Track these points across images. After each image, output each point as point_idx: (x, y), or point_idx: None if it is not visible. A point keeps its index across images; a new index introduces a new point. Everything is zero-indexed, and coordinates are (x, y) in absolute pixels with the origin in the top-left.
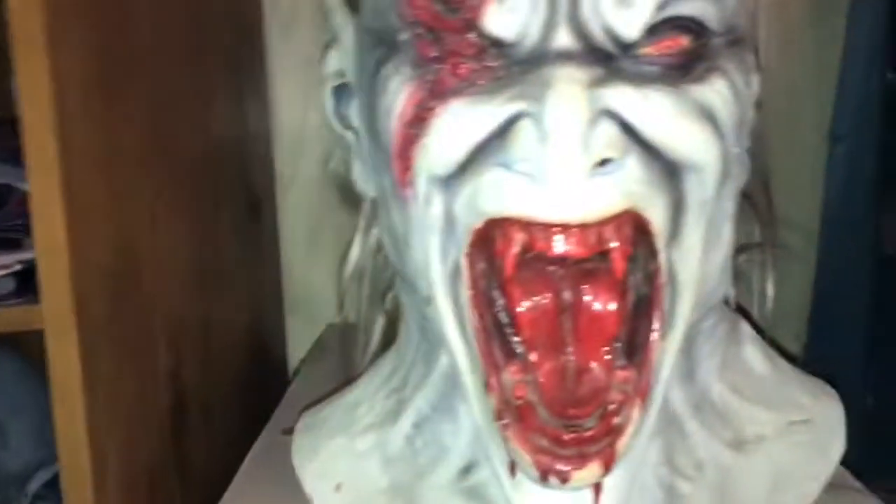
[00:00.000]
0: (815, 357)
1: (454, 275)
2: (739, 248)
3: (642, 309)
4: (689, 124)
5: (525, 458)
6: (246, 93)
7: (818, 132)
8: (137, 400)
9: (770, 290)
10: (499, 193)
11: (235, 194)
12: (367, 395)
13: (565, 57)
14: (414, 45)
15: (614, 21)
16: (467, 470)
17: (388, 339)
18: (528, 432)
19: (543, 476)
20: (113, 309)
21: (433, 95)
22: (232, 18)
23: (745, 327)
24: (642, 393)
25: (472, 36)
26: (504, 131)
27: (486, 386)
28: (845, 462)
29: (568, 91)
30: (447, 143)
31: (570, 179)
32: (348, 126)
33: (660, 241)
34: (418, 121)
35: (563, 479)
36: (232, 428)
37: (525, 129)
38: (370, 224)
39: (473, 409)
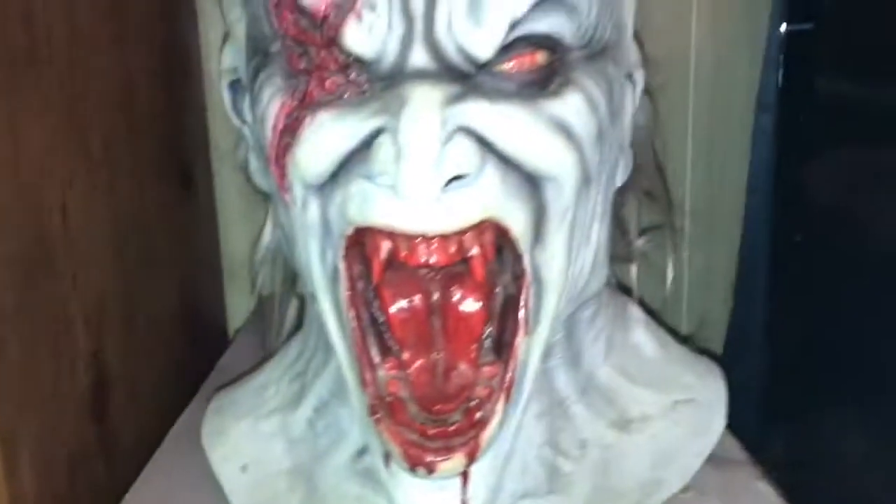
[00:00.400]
0: (737, 322)
1: (333, 275)
2: (642, 231)
3: (510, 308)
4: (543, 138)
5: (396, 450)
6: (176, 68)
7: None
8: (53, 383)
9: (669, 272)
10: (363, 204)
11: (165, 169)
12: (273, 377)
13: (421, 75)
14: (284, 57)
15: (467, 41)
16: (361, 452)
17: (302, 320)
18: (399, 426)
19: (412, 467)
20: (22, 297)
21: (302, 106)
22: None
23: (635, 311)
24: (507, 387)
25: (335, 51)
26: (367, 144)
27: (361, 382)
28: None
29: (420, 109)
30: (314, 154)
31: (423, 195)
32: (244, 121)
33: (522, 246)
34: (289, 130)
35: (430, 469)
36: (163, 404)
37: (384, 144)
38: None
39: (354, 405)
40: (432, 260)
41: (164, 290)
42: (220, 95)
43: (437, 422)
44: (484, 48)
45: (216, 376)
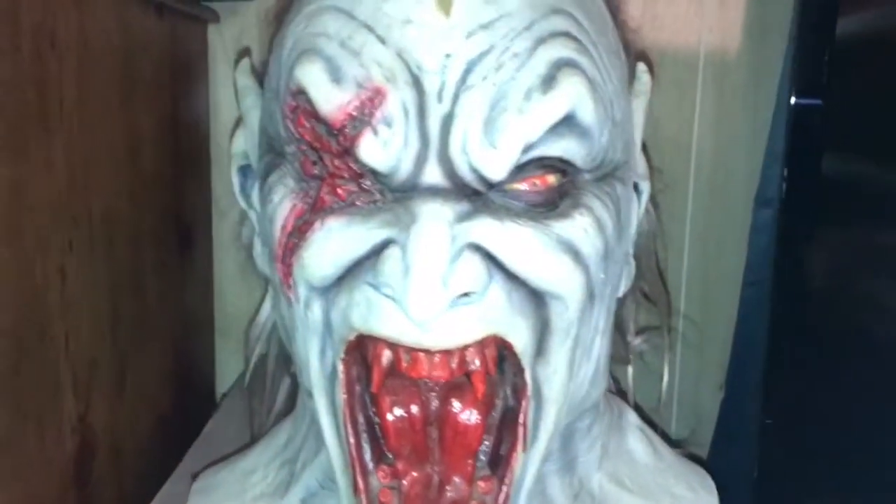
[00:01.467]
0: (727, 416)
1: (331, 375)
2: (640, 331)
3: (508, 420)
4: (550, 258)
5: None
6: (182, 129)
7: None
8: (39, 450)
9: (665, 372)
10: (368, 312)
11: (165, 231)
12: (261, 462)
13: (433, 192)
14: (298, 161)
15: (481, 162)
16: None
17: (293, 401)
18: None
19: None
20: (14, 365)
21: (313, 211)
22: (169, 58)
23: (631, 417)
24: (500, 499)
25: (349, 160)
26: (376, 252)
27: (353, 488)
28: None
29: (430, 226)
30: (321, 259)
31: (428, 311)
32: (251, 206)
33: (524, 361)
34: (298, 232)
35: None
36: (147, 468)
37: (392, 256)
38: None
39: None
40: (434, 374)
41: (155, 352)
42: (224, 152)
43: None
44: (497, 169)
45: (202, 443)
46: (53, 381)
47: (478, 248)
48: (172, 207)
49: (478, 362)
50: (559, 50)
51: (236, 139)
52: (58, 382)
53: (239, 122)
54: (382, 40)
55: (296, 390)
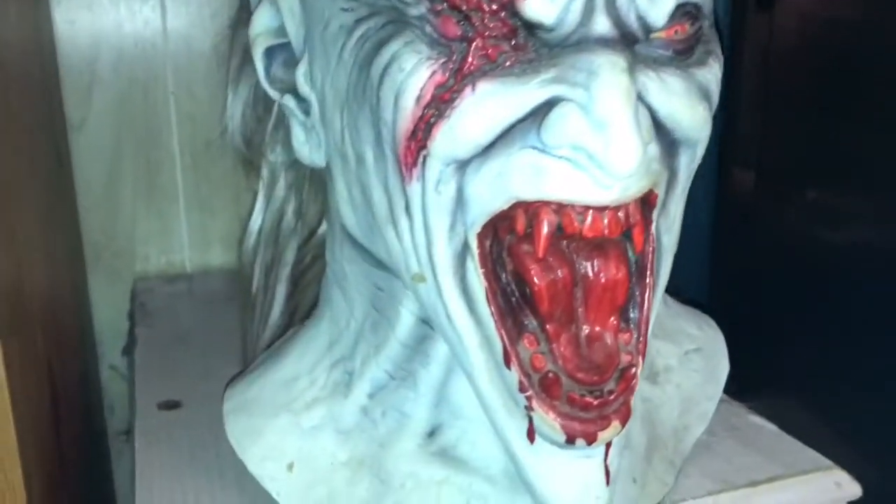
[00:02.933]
0: None
1: (461, 255)
2: None
3: (637, 273)
4: (696, 105)
5: (553, 425)
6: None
7: None
8: None
9: None
10: (535, 177)
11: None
12: (303, 368)
13: (603, 43)
14: (433, 22)
15: (647, 8)
16: (432, 434)
17: (292, 310)
18: (554, 401)
19: (570, 440)
20: None
21: (458, 76)
22: None
23: None
24: (642, 351)
25: (504, 17)
26: (535, 114)
27: (504, 361)
28: None
29: (619, 80)
30: (476, 126)
31: (633, 164)
32: (287, 90)
33: (655, 212)
34: (439, 102)
35: (590, 440)
36: None
37: (570, 115)
38: (272, 190)
39: (482, 386)
40: (608, 231)
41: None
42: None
43: (593, 392)
44: (661, 14)
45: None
46: None
47: (642, 100)
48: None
49: (638, 216)
50: None
51: (259, 16)
52: None
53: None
54: None
55: (297, 298)
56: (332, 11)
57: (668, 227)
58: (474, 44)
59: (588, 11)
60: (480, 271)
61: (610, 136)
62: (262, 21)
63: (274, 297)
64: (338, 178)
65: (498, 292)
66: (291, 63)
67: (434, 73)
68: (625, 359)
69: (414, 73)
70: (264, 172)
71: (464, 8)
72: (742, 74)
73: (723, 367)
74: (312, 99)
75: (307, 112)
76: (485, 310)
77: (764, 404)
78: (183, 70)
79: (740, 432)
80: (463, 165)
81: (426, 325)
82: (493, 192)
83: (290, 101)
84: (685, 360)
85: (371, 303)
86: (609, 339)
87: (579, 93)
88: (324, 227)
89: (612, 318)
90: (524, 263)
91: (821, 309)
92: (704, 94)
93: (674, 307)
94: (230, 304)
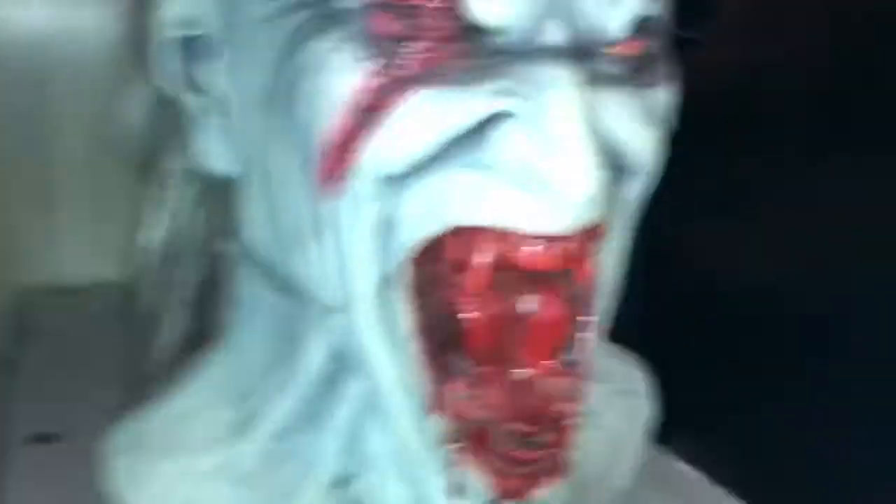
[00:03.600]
0: None
1: (385, 283)
2: None
3: (578, 311)
4: (646, 128)
5: (482, 480)
6: None
7: None
8: None
9: None
10: (477, 200)
11: None
12: (198, 405)
13: (556, 53)
14: (368, 20)
15: (604, 17)
16: (340, 484)
17: (191, 336)
18: (484, 453)
19: (501, 497)
20: None
21: (395, 81)
22: None
23: None
24: (581, 397)
25: (448, 17)
26: (479, 129)
27: (430, 406)
28: None
29: (574, 96)
30: (411, 138)
31: (586, 191)
32: (196, 88)
33: (600, 246)
34: (372, 110)
35: (522, 497)
36: None
37: (519, 132)
38: (170, 202)
39: (403, 433)
40: (551, 264)
41: None
42: None
43: (528, 444)
44: (619, 27)
45: None
46: None
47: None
48: None
49: (584, 248)
50: None
51: (167, 4)
52: None
53: None
54: None
55: (201, 317)
56: (263, 9)
57: (609, 259)
58: (414, 45)
59: (541, 17)
60: (406, 303)
61: (563, 158)
62: (172, 9)
63: (172, 321)
64: (253, 191)
65: (426, 328)
66: (201, 57)
67: (368, 76)
68: (562, 406)
69: (345, 76)
70: (162, 181)
71: (403, 4)
72: None
73: (648, 410)
74: (229, 98)
75: (221, 114)
76: (410, 347)
77: (688, 447)
78: (77, 66)
79: (664, 480)
80: (394, 182)
81: (339, 360)
82: (427, 214)
83: (198, 101)
84: (610, 402)
85: (277, 334)
86: (546, 383)
87: (529, 108)
88: (228, 246)
89: (549, 360)
90: (457, 296)
91: (746, 346)
92: (656, 118)
93: (602, 345)
94: (122, 322)
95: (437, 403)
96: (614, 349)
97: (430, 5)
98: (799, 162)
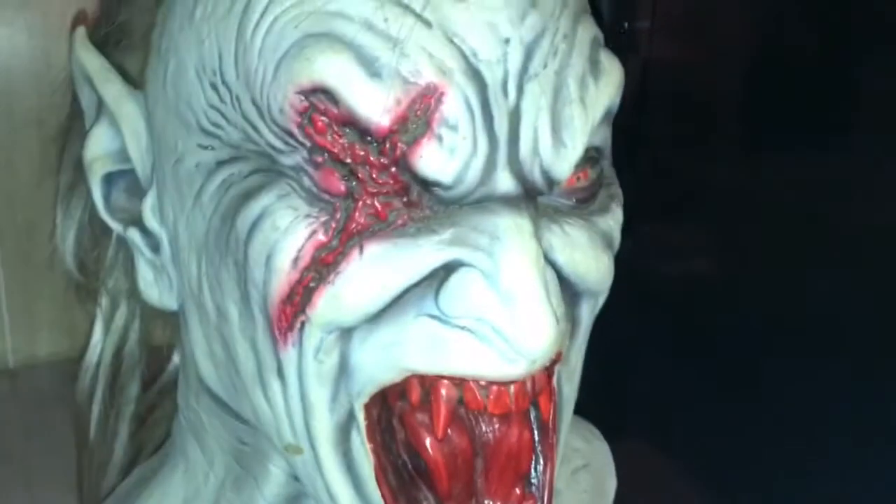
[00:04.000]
0: None
1: (345, 426)
2: None
3: (541, 435)
4: (601, 257)
5: None
6: None
7: None
8: None
9: None
10: (432, 349)
11: None
12: None
13: (505, 201)
14: (313, 175)
15: (551, 161)
16: None
17: (136, 451)
18: None
19: None
20: None
21: (342, 237)
22: None
23: None
24: None
25: (395, 172)
26: (431, 278)
27: None
28: None
29: (527, 246)
30: (362, 293)
31: (547, 340)
32: (132, 221)
33: (558, 367)
34: (319, 264)
35: None
36: None
37: (472, 283)
38: (112, 320)
39: None
40: (514, 405)
41: None
42: None
43: None
44: (566, 168)
45: None
46: None
47: (545, 257)
48: None
49: (544, 382)
50: (591, 27)
51: (94, 137)
52: None
53: (89, 118)
54: (428, 24)
55: (142, 437)
56: (186, 146)
57: (570, 377)
58: (360, 201)
59: (489, 169)
60: (368, 446)
61: (518, 311)
62: (99, 143)
63: (115, 437)
64: (194, 327)
65: (388, 468)
66: (135, 191)
67: (314, 232)
68: None
69: (290, 231)
70: (102, 300)
71: (348, 161)
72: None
73: (610, 485)
74: (163, 235)
75: (156, 249)
76: (373, 488)
77: None
78: (3, 142)
79: None
80: (347, 332)
81: (298, 481)
82: (383, 362)
83: (135, 235)
84: (573, 480)
85: (234, 457)
86: None
87: (481, 258)
88: (175, 360)
89: (515, 489)
90: (419, 435)
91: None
92: (608, 244)
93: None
94: (62, 405)
95: None
96: (577, 421)
97: (378, 163)
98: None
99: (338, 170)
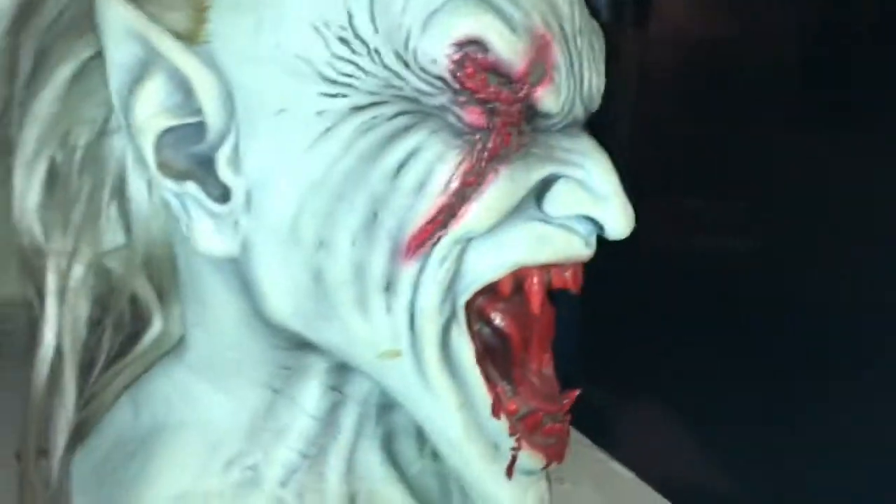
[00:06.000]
0: None
1: (447, 323)
2: None
3: None
4: None
5: (536, 457)
6: None
7: None
8: None
9: None
10: (540, 245)
11: None
12: (188, 481)
13: (579, 125)
14: (458, 112)
15: (594, 94)
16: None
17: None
18: (534, 435)
19: (546, 465)
20: None
21: (483, 162)
22: None
23: None
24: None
25: (519, 107)
26: (533, 192)
27: (494, 412)
28: None
29: (607, 159)
30: (499, 207)
31: (629, 227)
32: (183, 176)
33: None
34: (465, 186)
35: (560, 459)
36: None
37: (573, 190)
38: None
39: (458, 443)
40: (579, 283)
41: None
42: None
43: (554, 419)
44: (598, 101)
45: None
46: None
47: None
48: None
49: None
50: None
51: (144, 97)
52: None
53: (134, 73)
54: None
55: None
56: (297, 96)
57: None
58: (495, 132)
59: (574, 102)
60: (467, 335)
61: (613, 207)
62: (154, 99)
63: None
64: (269, 265)
65: (480, 352)
66: (183, 145)
67: (462, 159)
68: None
69: (444, 160)
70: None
71: (489, 99)
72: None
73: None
74: (237, 184)
75: (221, 199)
76: (470, 372)
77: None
78: None
79: (602, 482)
80: (468, 242)
81: (336, 391)
82: (495, 262)
83: (191, 188)
84: None
85: (268, 387)
86: (547, 371)
87: (576, 170)
88: (155, 327)
89: (546, 354)
90: (504, 319)
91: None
92: None
93: None
94: None
95: (497, 408)
96: None
97: (507, 99)
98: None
99: (479, 107)
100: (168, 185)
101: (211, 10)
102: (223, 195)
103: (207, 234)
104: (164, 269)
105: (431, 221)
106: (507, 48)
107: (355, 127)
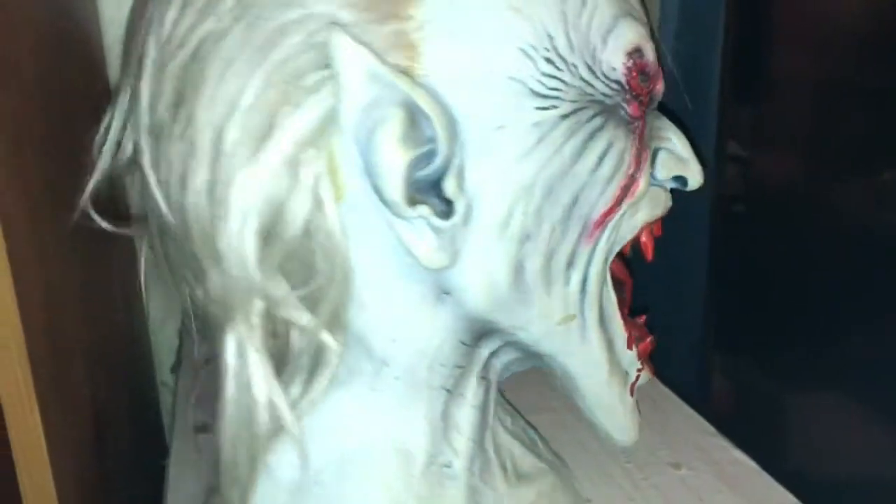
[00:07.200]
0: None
1: (600, 287)
2: None
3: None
4: None
5: (648, 375)
6: None
7: None
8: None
9: None
10: (657, 204)
11: None
12: (397, 490)
13: (660, 107)
14: (627, 108)
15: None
16: (504, 465)
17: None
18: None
19: (653, 375)
20: None
21: (642, 145)
22: None
23: None
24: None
25: (649, 97)
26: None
27: (629, 346)
28: None
29: (683, 136)
30: (648, 180)
31: (702, 179)
32: (416, 201)
33: None
34: (634, 167)
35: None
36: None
37: (671, 158)
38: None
39: (603, 379)
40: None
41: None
42: None
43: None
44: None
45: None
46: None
47: None
48: None
49: None
50: None
51: (397, 135)
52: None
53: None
54: None
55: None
56: (515, 113)
57: None
58: (642, 120)
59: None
60: (612, 290)
61: (693, 168)
62: (399, 134)
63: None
64: (472, 267)
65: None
66: (414, 172)
67: (633, 145)
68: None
69: (628, 149)
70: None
71: (642, 95)
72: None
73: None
74: (459, 200)
75: (445, 216)
76: (614, 318)
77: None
78: None
79: (718, 467)
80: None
81: (485, 379)
82: (634, 225)
83: (424, 211)
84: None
85: (443, 388)
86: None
87: (667, 143)
88: (333, 362)
89: (623, 296)
90: (620, 270)
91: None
92: None
93: None
94: None
95: (630, 342)
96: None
97: (646, 92)
98: None
99: (636, 101)
100: (406, 213)
101: (422, 47)
102: (446, 212)
103: (432, 250)
104: (338, 306)
105: (616, 202)
106: (651, 52)
107: (563, 132)
